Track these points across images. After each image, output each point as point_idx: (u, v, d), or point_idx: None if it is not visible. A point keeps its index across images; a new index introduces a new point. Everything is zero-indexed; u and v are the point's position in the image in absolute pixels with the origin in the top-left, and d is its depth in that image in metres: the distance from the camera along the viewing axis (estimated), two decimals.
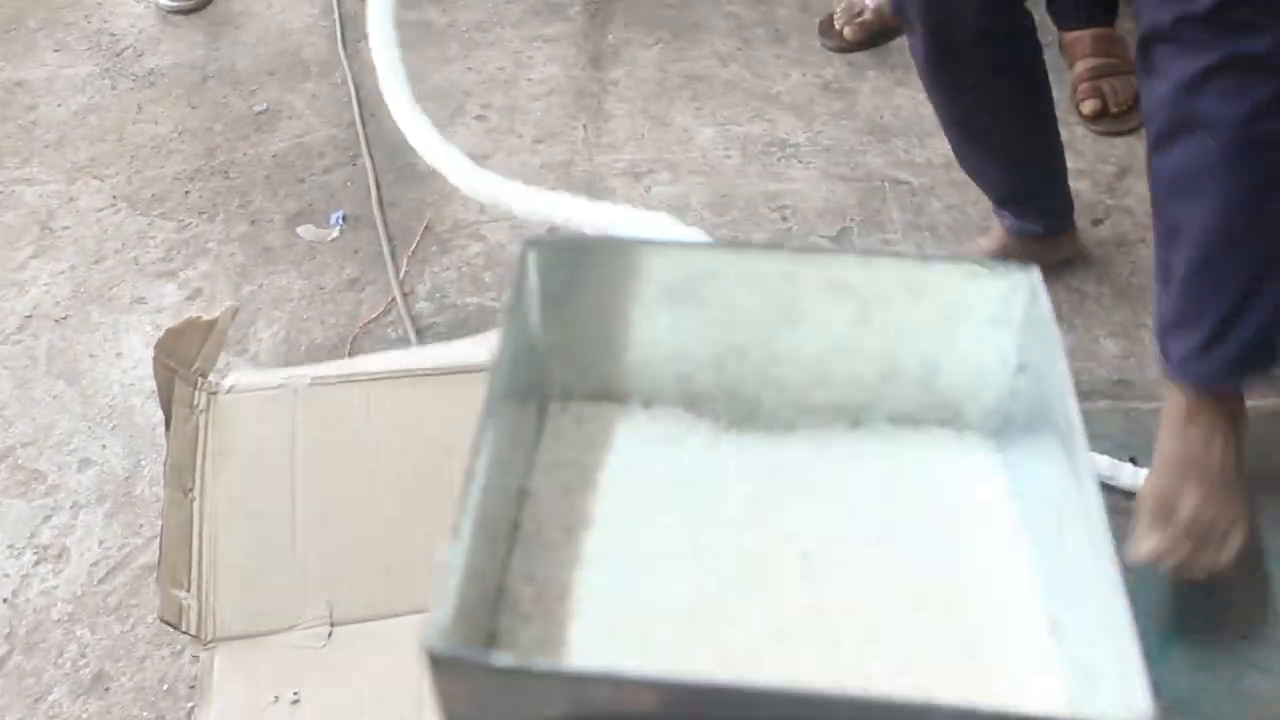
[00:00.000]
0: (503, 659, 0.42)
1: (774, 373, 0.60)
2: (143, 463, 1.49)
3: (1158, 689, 1.19)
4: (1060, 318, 1.59)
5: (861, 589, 0.53)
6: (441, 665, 0.42)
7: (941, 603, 0.52)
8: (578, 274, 0.60)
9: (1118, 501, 1.37)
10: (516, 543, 0.56)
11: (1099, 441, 1.40)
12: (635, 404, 0.61)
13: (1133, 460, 1.40)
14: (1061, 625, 0.52)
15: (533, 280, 0.59)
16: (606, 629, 0.53)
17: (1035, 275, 0.57)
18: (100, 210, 1.87)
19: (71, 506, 1.45)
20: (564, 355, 0.61)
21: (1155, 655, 1.21)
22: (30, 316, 1.70)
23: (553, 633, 0.53)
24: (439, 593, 0.44)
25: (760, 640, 0.51)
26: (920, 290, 0.58)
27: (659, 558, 0.54)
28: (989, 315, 0.59)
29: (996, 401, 0.60)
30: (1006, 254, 1.58)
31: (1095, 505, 0.46)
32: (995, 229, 1.62)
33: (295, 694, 1.13)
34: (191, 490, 1.30)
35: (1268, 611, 1.28)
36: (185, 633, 1.20)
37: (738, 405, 0.61)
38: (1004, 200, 1.58)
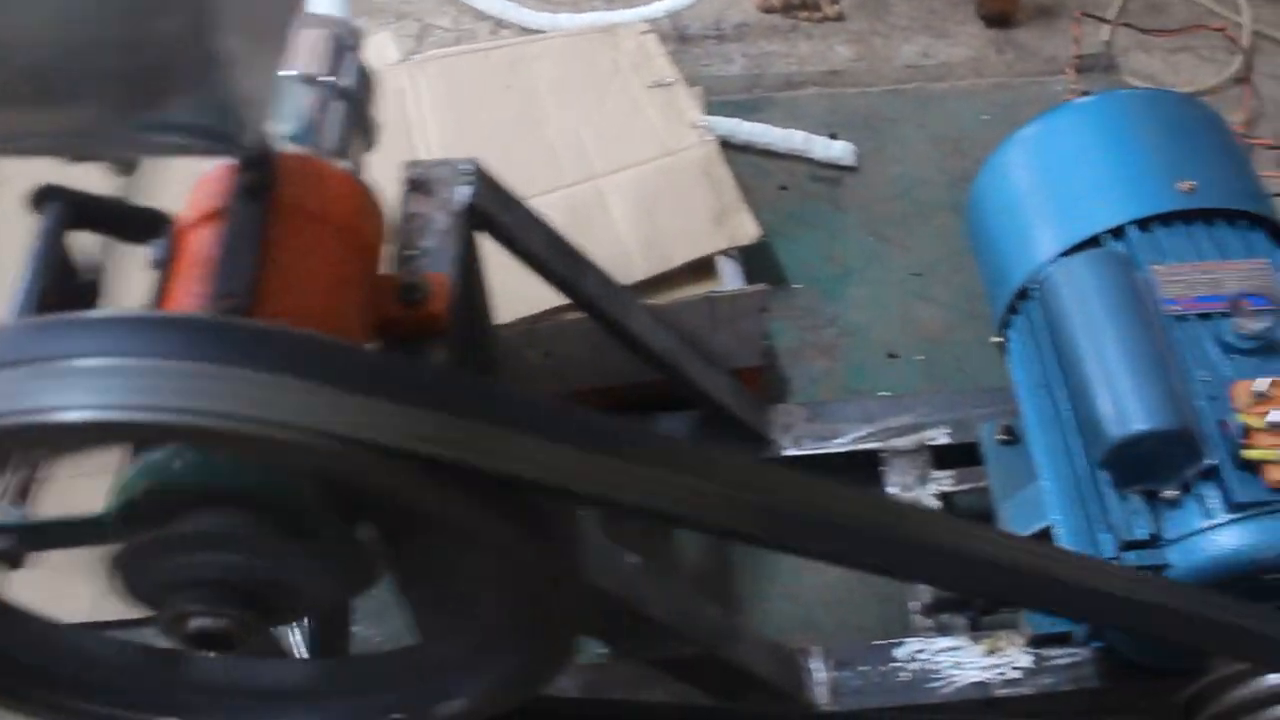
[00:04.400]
0: None
1: None
2: None
3: (834, 318, 1.49)
4: (799, 29, 1.90)
5: None
6: None
7: None
8: None
9: (815, 170, 1.71)
10: None
11: (803, 120, 1.72)
12: None
13: (832, 135, 1.71)
14: None
15: None
16: None
17: None
18: None
19: None
20: None
21: (835, 293, 1.52)
22: None
23: None
24: None
25: None
26: None
27: None
28: None
29: None
30: None
31: None
32: None
33: None
34: None
35: (936, 256, 1.56)
36: None
37: None
38: None
